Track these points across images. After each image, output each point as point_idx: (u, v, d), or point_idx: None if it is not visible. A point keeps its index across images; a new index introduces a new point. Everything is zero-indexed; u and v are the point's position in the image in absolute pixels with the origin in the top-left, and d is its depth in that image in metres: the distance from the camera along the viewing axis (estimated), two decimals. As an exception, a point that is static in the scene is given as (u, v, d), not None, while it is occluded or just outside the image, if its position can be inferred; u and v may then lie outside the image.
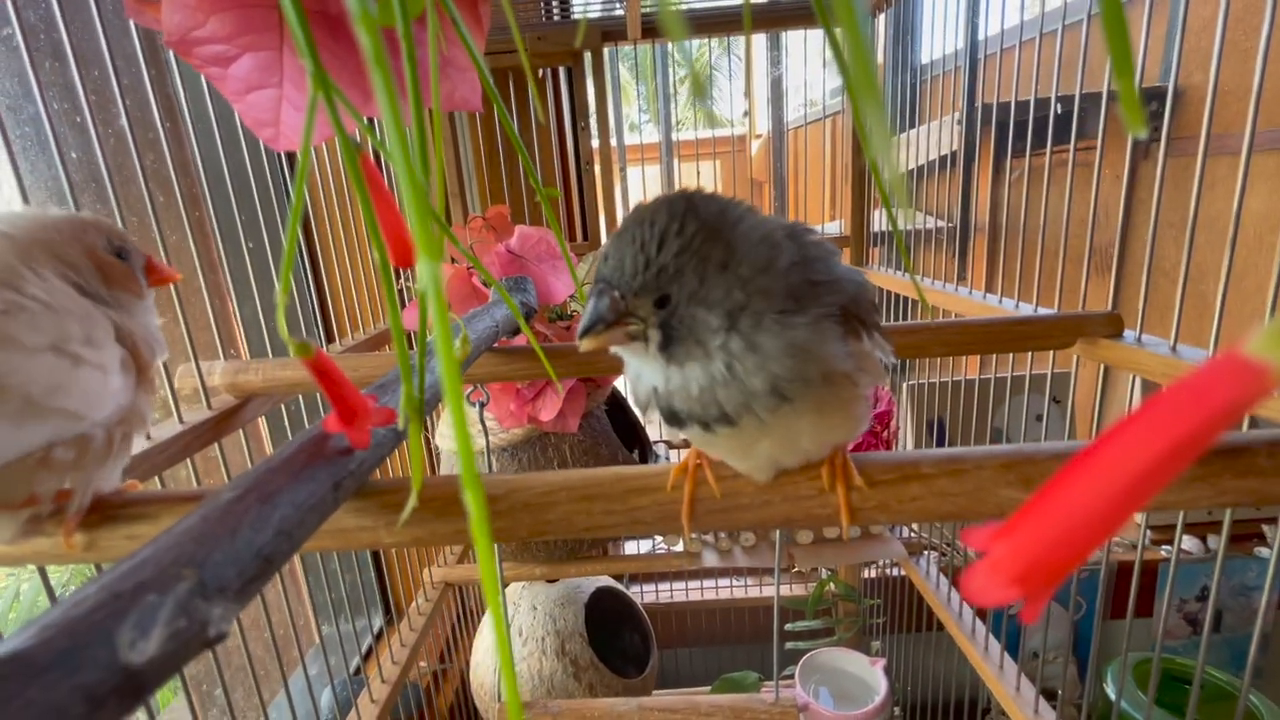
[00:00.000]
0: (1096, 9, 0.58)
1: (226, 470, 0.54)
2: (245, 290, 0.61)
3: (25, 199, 0.37)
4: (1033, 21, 0.73)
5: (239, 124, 0.62)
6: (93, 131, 0.43)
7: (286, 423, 0.72)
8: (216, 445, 0.50)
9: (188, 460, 0.48)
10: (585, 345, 0.24)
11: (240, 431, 0.55)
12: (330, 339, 0.89)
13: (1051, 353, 0.61)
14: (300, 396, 0.66)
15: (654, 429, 1.36)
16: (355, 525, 0.25)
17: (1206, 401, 0.10)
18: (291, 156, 0.83)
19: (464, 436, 0.12)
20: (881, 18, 1.05)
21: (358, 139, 0.22)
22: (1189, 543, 1.34)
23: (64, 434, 0.22)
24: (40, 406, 0.21)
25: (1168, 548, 1.37)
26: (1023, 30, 0.71)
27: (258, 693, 0.59)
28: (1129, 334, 0.48)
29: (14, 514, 0.23)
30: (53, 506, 0.24)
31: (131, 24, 0.47)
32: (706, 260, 0.23)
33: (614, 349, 0.25)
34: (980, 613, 0.84)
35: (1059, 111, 0.67)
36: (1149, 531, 1.38)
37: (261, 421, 0.67)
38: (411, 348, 0.28)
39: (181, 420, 0.47)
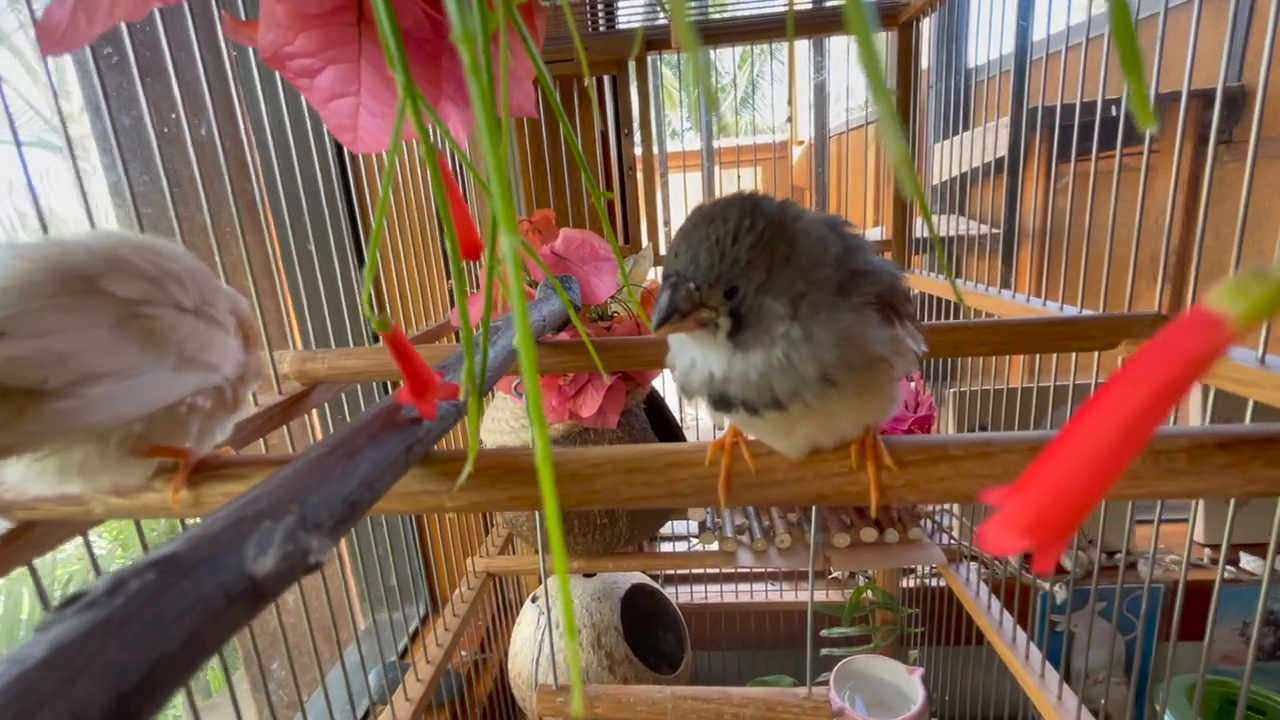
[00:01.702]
0: (1150, 11, 0.57)
1: (293, 450, 0.58)
2: (312, 287, 0.65)
3: (134, 200, 0.41)
4: (1085, 24, 0.72)
5: (311, 136, 0.66)
6: (188, 142, 0.47)
7: (346, 414, 0.76)
8: (285, 428, 0.54)
9: (260, 441, 0.52)
10: (660, 334, 0.26)
11: (304, 418, 0.59)
12: (379, 337, 0.93)
13: (1095, 359, 0.60)
14: (358, 387, 0.70)
15: (691, 433, 1.37)
16: (421, 490, 0.28)
17: (1177, 354, 0.11)
18: (343, 166, 0.88)
19: (533, 380, 0.14)
20: (929, 20, 1.05)
21: (437, 144, 0.25)
22: (1254, 564, 1.28)
23: (206, 384, 0.26)
24: (192, 360, 0.25)
25: (1230, 569, 1.31)
26: (1069, 34, 0.71)
27: (318, 665, 0.63)
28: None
29: (146, 461, 0.26)
30: (167, 463, 0.28)
31: (223, 41, 0.52)
32: (774, 254, 0.25)
33: (674, 338, 0.27)
34: (1021, 620, 0.82)
35: (1113, 114, 0.67)
36: (1209, 550, 1.32)
37: (312, 417, 0.71)
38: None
39: (256, 404, 0.51)
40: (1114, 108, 0.73)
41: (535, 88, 0.41)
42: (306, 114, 0.65)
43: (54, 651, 0.12)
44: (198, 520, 0.31)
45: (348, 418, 0.80)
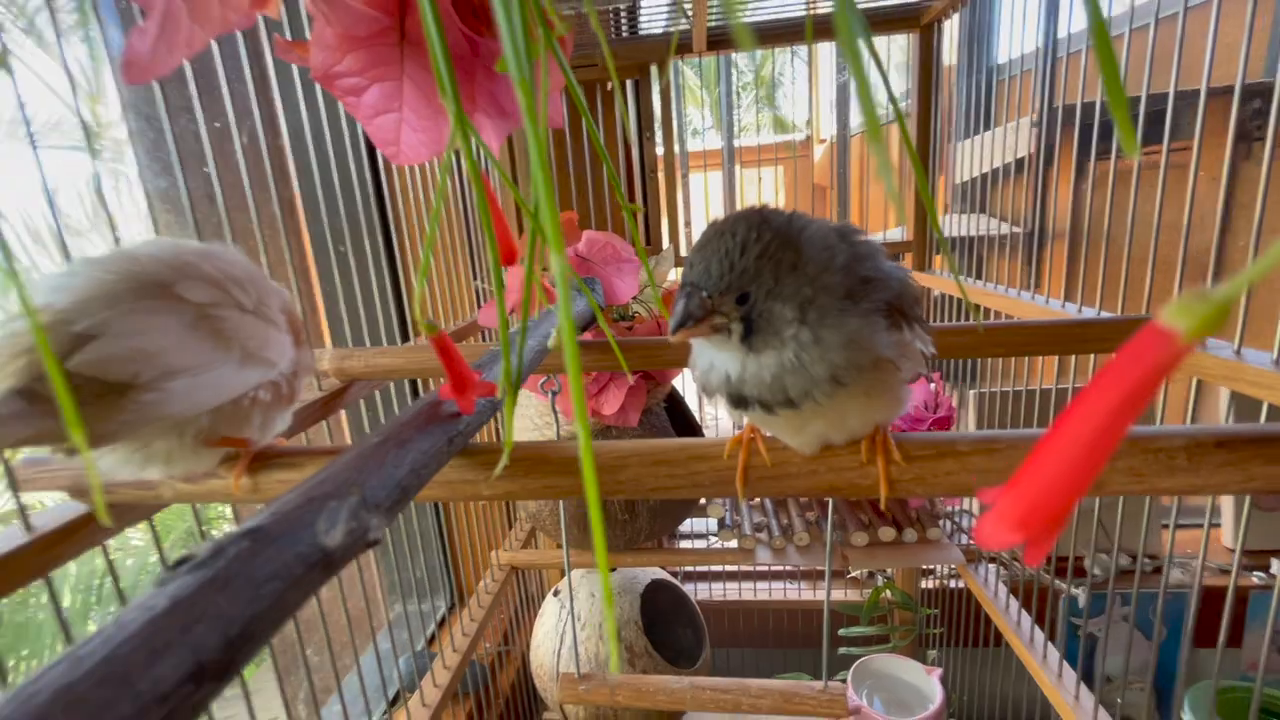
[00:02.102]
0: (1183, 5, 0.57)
1: (331, 442, 0.61)
2: (349, 287, 0.69)
3: (191, 205, 0.44)
4: (1108, 21, 0.72)
5: (347, 144, 0.69)
6: (238, 149, 0.50)
7: (380, 410, 0.79)
8: (324, 422, 0.57)
9: (302, 434, 0.55)
10: (677, 339, 0.28)
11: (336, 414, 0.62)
12: (406, 337, 0.97)
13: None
14: (391, 385, 0.73)
15: (710, 431, 1.39)
16: (459, 479, 0.30)
17: (1138, 363, 0.12)
18: (375, 173, 0.91)
19: (577, 378, 0.16)
20: (954, 19, 1.04)
21: (480, 160, 0.27)
22: (1285, 570, 1.25)
23: (265, 378, 0.29)
24: (254, 356, 0.28)
25: (1260, 574, 1.29)
26: (1084, 33, 0.70)
27: (354, 651, 0.66)
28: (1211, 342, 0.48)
29: (214, 451, 0.29)
30: (230, 453, 0.31)
31: (269, 57, 0.55)
32: (780, 262, 0.27)
33: (695, 341, 0.29)
34: (1040, 620, 0.82)
35: (1139, 112, 0.66)
36: (1241, 556, 1.30)
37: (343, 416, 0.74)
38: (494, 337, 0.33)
39: (298, 399, 0.54)
40: (1150, 104, 0.72)
41: (560, 97, 0.43)
42: (345, 124, 0.68)
43: (174, 603, 0.14)
44: (224, 509, 0.33)
45: (380, 414, 0.83)
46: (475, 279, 1.07)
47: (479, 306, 1.07)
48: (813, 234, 0.28)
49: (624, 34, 1.11)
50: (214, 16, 0.26)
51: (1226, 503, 1.30)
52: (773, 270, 0.27)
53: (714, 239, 0.27)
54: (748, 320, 0.27)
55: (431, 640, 1.09)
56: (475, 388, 0.29)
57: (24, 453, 0.33)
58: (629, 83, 1.16)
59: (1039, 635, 0.78)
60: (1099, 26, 0.17)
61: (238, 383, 0.28)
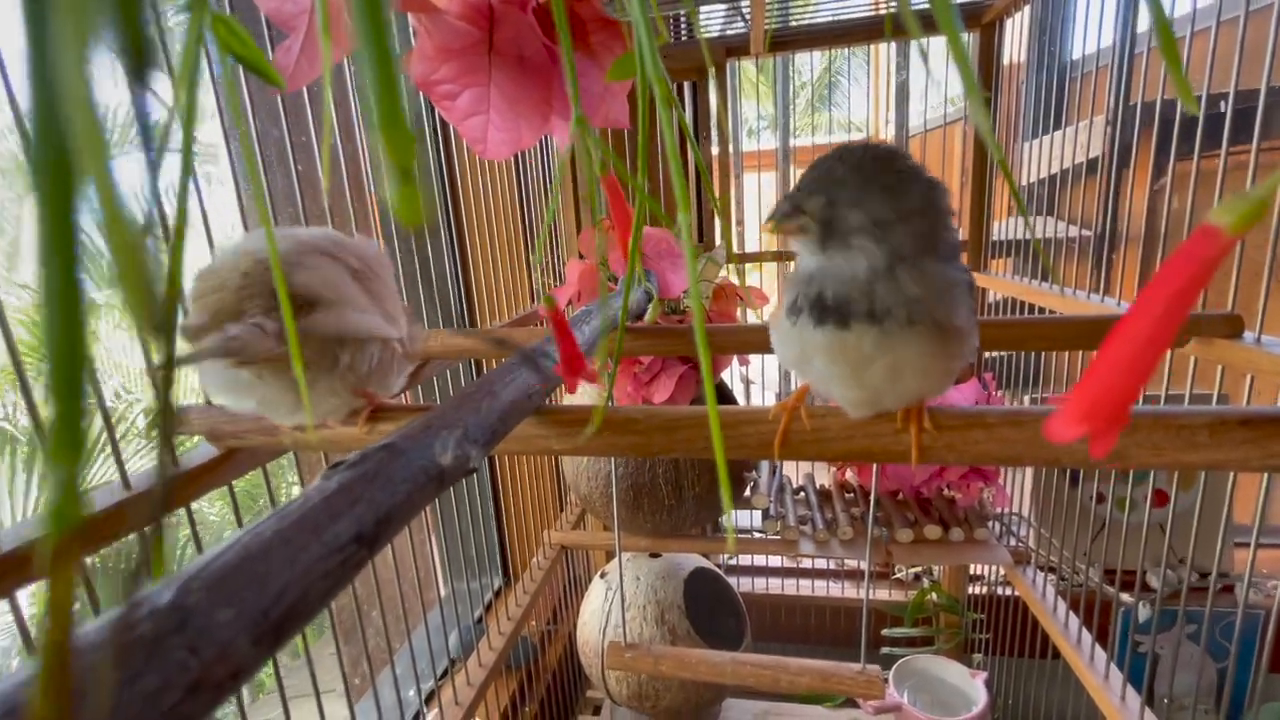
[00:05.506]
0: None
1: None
2: (426, 278, 0.75)
3: (270, 202, 0.51)
4: (1191, 15, 0.69)
5: (428, 152, 0.75)
6: (316, 152, 0.56)
7: (435, 391, 0.85)
8: (404, 394, 0.63)
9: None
10: (765, 227, 0.30)
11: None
12: (473, 323, 1.03)
13: (1192, 367, 0.58)
14: (459, 363, 0.79)
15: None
16: (533, 434, 0.35)
17: (1192, 259, 0.14)
18: (445, 173, 0.97)
19: (705, 350, 0.19)
20: (1019, 15, 1.03)
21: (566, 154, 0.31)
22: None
23: (396, 335, 0.35)
24: (390, 315, 0.35)
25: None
26: (1172, 26, 0.68)
27: (404, 620, 0.71)
28: (1248, 335, 0.48)
29: (351, 401, 0.35)
30: (358, 406, 0.37)
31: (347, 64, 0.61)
32: (871, 182, 0.28)
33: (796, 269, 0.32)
34: (1092, 630, 0.81)
35: (1221, 109, 0.64)
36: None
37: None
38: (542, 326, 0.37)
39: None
40: (1222, 103, 0.70)
41: (625, 99, 0.47)
42: (422, 130, 0.74)
43: (341, 486, 0.19)
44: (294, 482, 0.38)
45: (445, 390, 0.89)
46: (534, 271, 1.13)
47: (536, 298, 1.13)
48: (930, 184, 0.29)
49: (682, 37, 1.14)
50: (345, 36, 0.31)
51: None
52: (858, 184, 0.28)
53: (826, 158, 0.30)
54: (827, 223, 0.29)
55: (479, 620, 1.15)
56: (584, 370, 0.33)
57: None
58: (687, 84, 1.19)
59: (1099, 652, 0.75)
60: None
61: (383, 327, 0.34)
